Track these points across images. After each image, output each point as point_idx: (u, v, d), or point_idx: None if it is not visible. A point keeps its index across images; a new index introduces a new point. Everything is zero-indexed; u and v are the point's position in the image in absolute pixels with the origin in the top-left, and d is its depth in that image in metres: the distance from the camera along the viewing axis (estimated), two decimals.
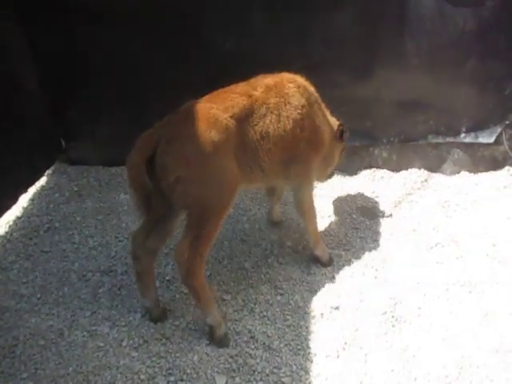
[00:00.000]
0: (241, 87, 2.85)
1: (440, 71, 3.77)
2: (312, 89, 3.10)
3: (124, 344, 2.82)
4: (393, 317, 2.98)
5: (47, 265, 3.40)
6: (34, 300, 3.12)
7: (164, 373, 2.67)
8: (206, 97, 2.75)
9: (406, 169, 4.26)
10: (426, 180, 4.18)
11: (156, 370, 2.68)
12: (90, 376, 2.63)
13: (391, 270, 3.32)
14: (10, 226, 3.74)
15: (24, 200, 3.98)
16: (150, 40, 3.83)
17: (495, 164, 4.15)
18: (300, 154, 3.03)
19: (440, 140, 4.10)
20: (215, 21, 3.74)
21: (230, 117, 2.63)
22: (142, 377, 2.63)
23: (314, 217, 3.33)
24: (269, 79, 2.96)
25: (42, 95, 4.13)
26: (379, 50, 3.73)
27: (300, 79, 3.06)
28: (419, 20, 3.58)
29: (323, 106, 3.19)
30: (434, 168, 4.23)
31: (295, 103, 2.93)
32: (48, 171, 4.34)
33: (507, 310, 2.98)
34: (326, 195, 4.04)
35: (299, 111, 2.93)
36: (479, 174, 4.19)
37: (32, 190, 4.10)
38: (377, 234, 3.66)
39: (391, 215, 3.84)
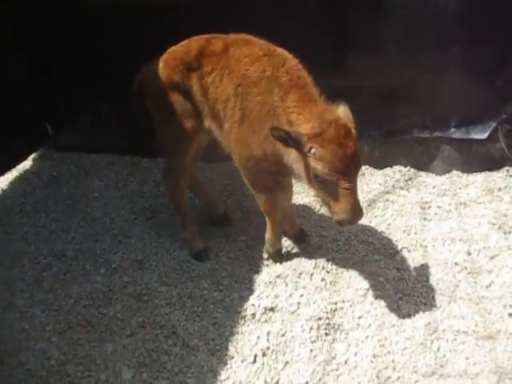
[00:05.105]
0: (215, 39, 2.92)
1: (422, 58, 3.38)
2: (282, 73, 2.63)
3: (48, 328, 2.84)
4: (328, 324, 2.73)
5: (5, 246, 3.50)
6: None
7: (76, 361, 2.65)
8: (184, 42, 3.06)
9: (391, 166, 3.89)
10: (410, 179, 3.79)
11: (70, 357, 2.67)
12: (4, 357, 2.67)
13: (343, 274, 3.06)
14: None
15: (3, 182, 4.15)
16: (131, 35, 3.80)
17: (492, 163, 3.67)
18: (229, 123, 2.86)
19: (427, 135, 3.69)
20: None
21: (181, 63, 2.97)
22: (53, 362, 2.63)
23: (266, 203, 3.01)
24: (239, 49, 2.79)
25: (30, 84, 4.26)
26: (352, 35, 3.42)
27: (270, 61, 2.68)
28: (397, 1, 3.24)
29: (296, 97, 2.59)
30: (421, 166, 3.82)
31: (234, 78, 2.78)
32: (34, 156, 4.49)
33: (457, 327, 2.62)
34: (300, 191, 3.80)
35: (234, 86, 2.78)
36: (472, 174, 3.72)
37: (14, 173, 4.26)
38: (340, 233, 3.38)
39: None
